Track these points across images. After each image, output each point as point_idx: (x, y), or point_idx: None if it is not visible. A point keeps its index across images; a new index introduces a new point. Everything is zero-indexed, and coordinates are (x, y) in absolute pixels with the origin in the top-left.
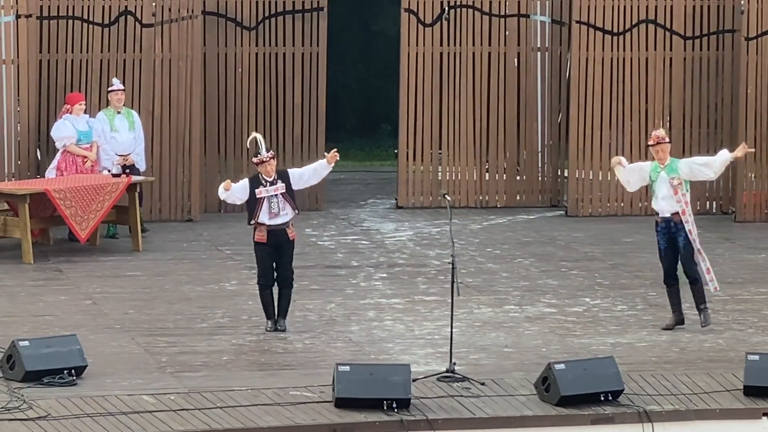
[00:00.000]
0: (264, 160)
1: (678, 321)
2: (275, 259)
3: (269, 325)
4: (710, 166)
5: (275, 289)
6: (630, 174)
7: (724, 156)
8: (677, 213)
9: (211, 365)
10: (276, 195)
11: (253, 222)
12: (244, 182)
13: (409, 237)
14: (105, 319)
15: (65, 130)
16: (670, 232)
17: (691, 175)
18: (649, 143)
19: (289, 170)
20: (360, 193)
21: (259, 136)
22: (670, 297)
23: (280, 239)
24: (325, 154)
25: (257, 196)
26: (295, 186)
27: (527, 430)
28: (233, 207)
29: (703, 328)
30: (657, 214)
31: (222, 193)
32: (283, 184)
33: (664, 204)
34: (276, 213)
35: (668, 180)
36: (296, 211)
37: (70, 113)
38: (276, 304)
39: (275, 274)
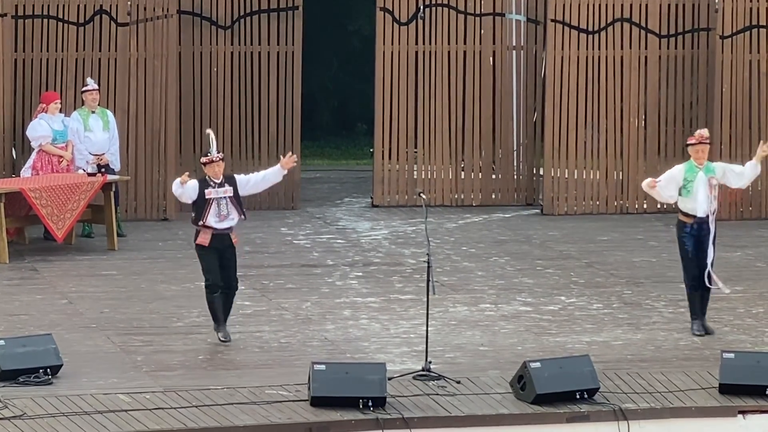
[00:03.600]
0: (213, 159)
1: (706, 328)
2: (220, 264)
3: (221, 335)
4: (744, 176)
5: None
6: (665, 189)
7: (752, 164)
8: (708, 215)
9: (186, 364)
10: (225, 198)
11: (201, 223)
12: (194, 182)
13: (385, 236)
14: (80, 318)
15: (41, 129)
16: (701, 234)
17: (723, 179)
18: (691, 142)
19: (235, 175)
20: (336, 191)
21: (212, 135)
22: (694, 302)
23: (224, 244)
24: (281, 157)
25: (206, 197)
26: (242, 192)
27: (503, 428)
28: None
29: (704, 335)
30: (686, 214)
31: (177, 189)
32: (231, 188)
33: (703, 205)
34: (225, 216)
35: (707, 180)
36: (242, 216)
37: (45, 112)
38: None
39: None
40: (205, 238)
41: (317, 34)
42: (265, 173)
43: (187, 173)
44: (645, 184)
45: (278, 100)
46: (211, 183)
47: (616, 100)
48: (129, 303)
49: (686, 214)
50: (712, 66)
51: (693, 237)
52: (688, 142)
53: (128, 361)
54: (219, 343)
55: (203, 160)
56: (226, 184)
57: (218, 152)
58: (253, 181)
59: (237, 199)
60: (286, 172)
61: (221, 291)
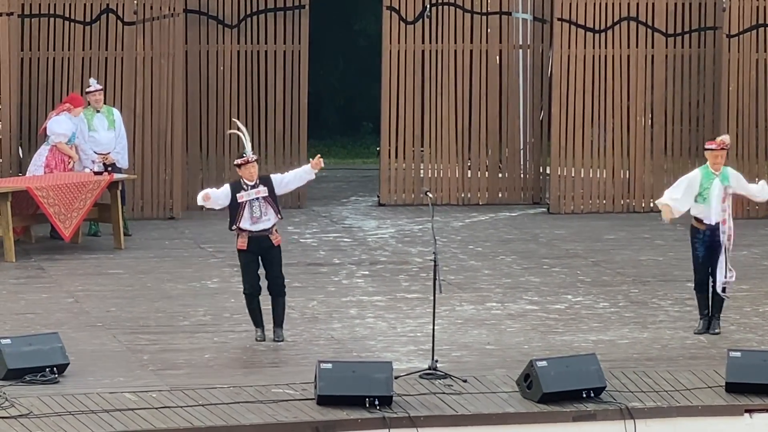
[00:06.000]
0: (249, 160)
1: (707, 326)
2: (262, 266)
3: (258, 334)
4: (763, 192)
5: (263, 297)
6: (686, 198)
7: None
8: (720, 221)
9: (193, 363)
10: (258, 198)
11: (234, 228)
12: (226, 188)
13: (391, 234)
14: (87, 317)
15: (65, 126)
16: (714, 241)
17: (738, 187)
18: (711, 146)
19: (271, 175)
20: (342, 190)
21: (244, 132)
22: (702, 302)
23: (263, 245)
24: (310, 160)
25: (239, 201)
26: (278, 191)
27: (509, 427)
28: None
29: (714, 334)
30: (699, 221)
31: (201, 201)
32: (265, 188)
33: (716, 212)
34: (258, 218)
35: (723, 188)
36: (279, 216)
37: (69, 112)
38: (271, 312)
39: (262, 281)
40: (242, 243)
41: (324, 33)
42: (297, 171)
43: (208, 192)
44: (664, 206)
45: (284, 98)
46: (244, 186)
47: (622, 98)
48: (135, 302)
49: (699, 221)
50: (719, 65)
51: (705, 243)
52: (707, 147)
53: (134, 360)
54: (225, 341)
55: (238, 161)
56: (260, 185)
57: (253, 153)
58: (287, 179)
59: (273, 199)
60: (317, 170)
61: (270, 294)
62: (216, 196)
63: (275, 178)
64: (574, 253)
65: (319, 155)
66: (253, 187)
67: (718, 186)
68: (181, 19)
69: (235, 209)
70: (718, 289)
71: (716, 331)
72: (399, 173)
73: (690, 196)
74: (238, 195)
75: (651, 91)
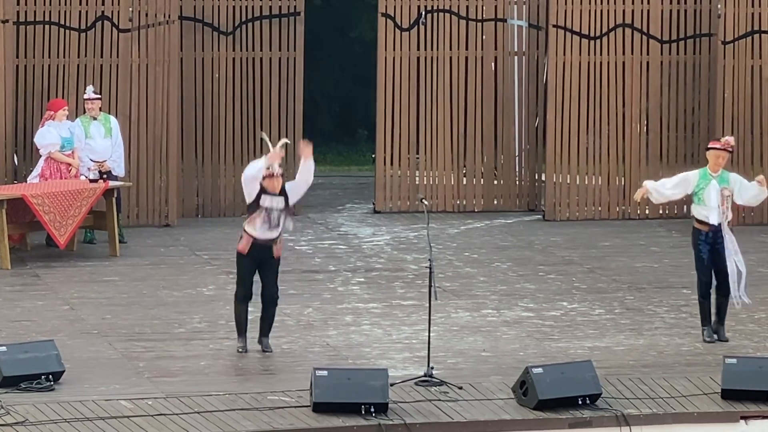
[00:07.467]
0: (274, 174)
1: (714, 332)
2: (259, 273)
3: (240, 344)
4: (753, 198)
5: (255, 304)
6: (673, 189)
7: (758, 189)
8: (721, 223)
9: (188, 370)
10: (277, 209)
11: (248, 215)
12: (259, 173)
13: (387, 241)
14: (82, 324)
15: (50, 137)
16: (717, 242)
17: (737, 192)
18: (714, 146)
19: (286, 185)
20: (337, 197)
21: (268, 141)
22: (704, 309)
23: (264, 255)
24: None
25: (260, 204)
26: (292, 198)
27: None
28: (210, 212)
29: (725, 342)
30: (701, 222)
31: (264, 161)
32: (283, 199)
33: (715, 212)
34: (274, 226)
35: (720, 190)
36: (293, 213)
37: (53, 119)
38: (259, 321)
39: (256, 288)
40: (244, 246)
41: (319, 40)
42: (299, 171)
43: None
44: (640, 193)
45: (280, 105)
46: (269, 191)
47: (617, 105)
48: (131, 309)
49: (701, 222)
50: (714, 71)
51: (708, 245)
52: (710, 146)
53: (130, 367)
54: (221, 348)
55: (264, 172)
56: (281, 195)
57: (280, 167)
58: (296, 183)
59: (287, 209)
60: (310, 160)
61: (261, 303)
62: (254, 175)
63: (288, 186)
64: (570, 260)
65: (303, 141)
66: (276, 195)
67: (715, 187)
68: (176, 26)
69: (254, 209)
70: (735, 301)
71: (726, 338)
72: (394, 180)
73: (679, 188)
74: (263, 196)
75: (646, 97)
